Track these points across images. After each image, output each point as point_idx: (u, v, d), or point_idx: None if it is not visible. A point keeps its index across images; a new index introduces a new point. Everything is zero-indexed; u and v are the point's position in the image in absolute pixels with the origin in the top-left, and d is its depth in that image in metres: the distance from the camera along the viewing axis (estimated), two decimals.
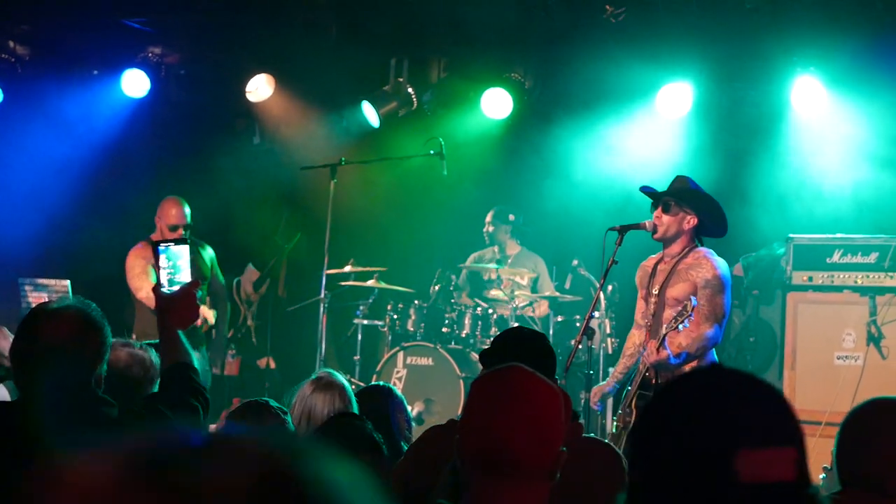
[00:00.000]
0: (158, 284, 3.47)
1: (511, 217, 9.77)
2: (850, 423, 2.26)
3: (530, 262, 9.68)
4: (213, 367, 8.62)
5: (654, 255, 6.53)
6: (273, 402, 3.64)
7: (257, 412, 3.58)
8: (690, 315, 5.87)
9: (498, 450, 2.27)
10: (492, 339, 5.99)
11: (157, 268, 3.54)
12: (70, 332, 3.09)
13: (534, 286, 9.57)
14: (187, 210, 8.26)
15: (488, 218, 9.81)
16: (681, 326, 5.91)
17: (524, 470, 2.28)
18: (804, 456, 1.59)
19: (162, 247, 3.56)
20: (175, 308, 3.40)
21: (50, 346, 3.06)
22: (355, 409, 4.48)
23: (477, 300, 9.55)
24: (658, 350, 5.97)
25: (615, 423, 6.32)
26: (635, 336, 6.57)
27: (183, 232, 8.12)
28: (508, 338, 3.76)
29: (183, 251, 3.56)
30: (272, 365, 9.94)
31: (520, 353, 3.05)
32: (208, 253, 8.57)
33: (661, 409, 1.64)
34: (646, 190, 6.43)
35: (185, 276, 3.51)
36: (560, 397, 2.36)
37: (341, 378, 4.62)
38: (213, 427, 7.36)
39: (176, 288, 3.47)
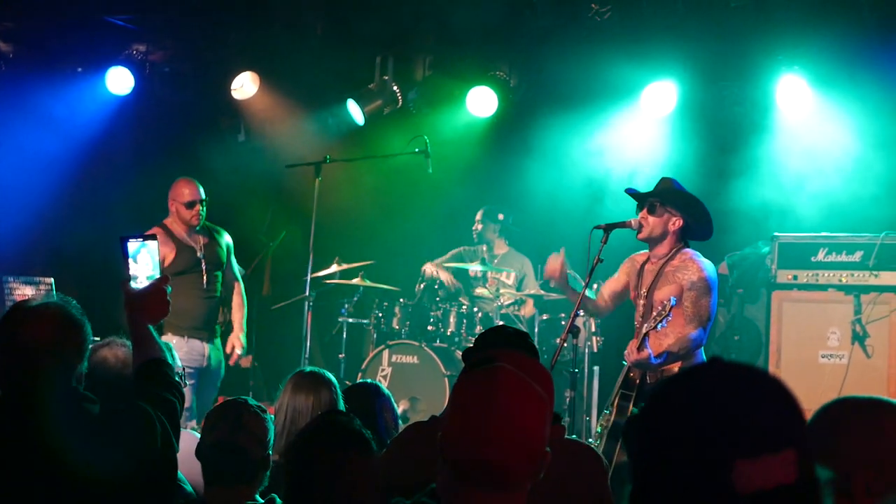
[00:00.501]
0: (127, 280, 3.45)
1: (500, 216, 9.76)
2: (815, 422, 2.25)
3: (517, 261, 9.68)
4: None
5: (644, 251, 6.52)
6: (251, 401, 3.63)
7: (235, 411, 3.57)
8: (669, 315, 5.87)
9: (482, 463, 2.20)
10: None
11: (125, 263, 3.52)
12: (50, 330, 3.07)
13: (519, 285, 9.57)
14: (201, 188, 7.99)
15: (478, 216, 9.79)
16: (659, 326, 5.91)
17: (508, 481, 2.24)
18: (807, 454, 1.55)
19: (136, 244, 3.53)
20: (145, 304, 3.40)
21: (30, 344, 3.05)
22: (341, 405, 4.47)
23: (461, 299, 9.54)
24: (639, 350, 5.97)
25: (599, 424, 6.32)
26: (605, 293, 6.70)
27: (200, 208, 7.91)
28: (491, 336, 3.74)
29: (155, 247, 3.54)
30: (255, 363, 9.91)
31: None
32: (225, 240, 8.23)
33: (656, 412, 1.61)
34: (630, 192, 6.43)
35: (156, 272, 3.50)
36: (545, 401, 2.30)
37: (327, 374, 4.60)
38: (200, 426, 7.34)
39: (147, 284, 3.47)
